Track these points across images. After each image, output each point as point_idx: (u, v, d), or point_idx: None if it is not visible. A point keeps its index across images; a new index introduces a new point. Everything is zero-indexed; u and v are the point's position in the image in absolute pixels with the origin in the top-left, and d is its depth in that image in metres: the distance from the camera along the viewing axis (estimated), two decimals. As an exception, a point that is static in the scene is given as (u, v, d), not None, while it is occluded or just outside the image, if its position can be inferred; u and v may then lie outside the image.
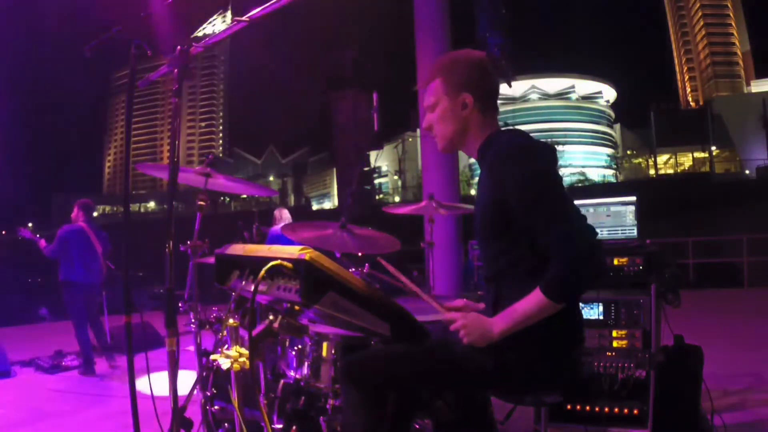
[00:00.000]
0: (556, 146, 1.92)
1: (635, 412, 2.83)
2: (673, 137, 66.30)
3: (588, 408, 2.91)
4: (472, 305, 1.97)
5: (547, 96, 78.28)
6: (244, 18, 1.72)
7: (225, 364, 1.73)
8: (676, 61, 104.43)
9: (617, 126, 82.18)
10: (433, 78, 1.86)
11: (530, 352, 1.67)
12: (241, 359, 1.77)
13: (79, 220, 5.73)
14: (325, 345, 2.17)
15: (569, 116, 77.18)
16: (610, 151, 78.84)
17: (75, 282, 5.57)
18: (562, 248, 1.54)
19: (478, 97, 1.81)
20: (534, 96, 77.74)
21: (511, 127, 1.87)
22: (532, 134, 1.87)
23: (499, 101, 1.93)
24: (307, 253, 1.45)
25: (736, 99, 75.47)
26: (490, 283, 1.80)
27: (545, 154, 1.71)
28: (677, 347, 3.01)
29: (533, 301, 1.59)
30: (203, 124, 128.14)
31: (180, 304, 2.45)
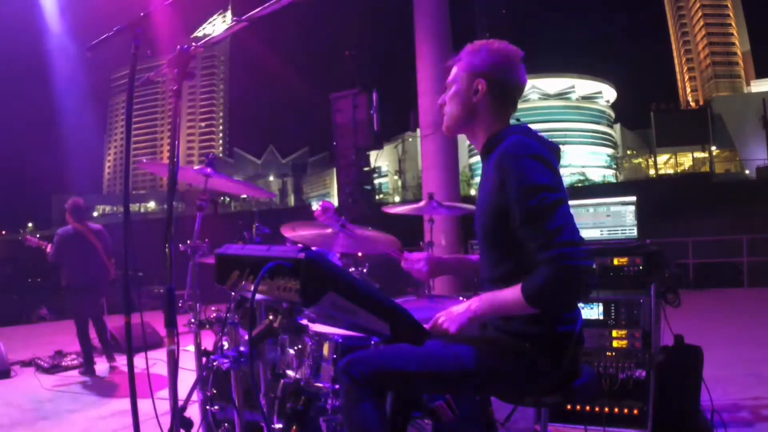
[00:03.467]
0: (559, 146, 1.90)
1: (635, 412, 2.83)
2: (673, 137, 66.25)
3: (588, 408, 2.91)
4: (430, 257, 2.07)
5: (547, 96, 78.23)
6: (244, 18, 1.71)
7: (225, 364, 1.73)
8: (676, 61, 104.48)
9: (617, 126, 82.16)
10: (460, 59, 1.86)
11: (530, 352, 1.67)
12: (241, 359, 1.77)
13: (71, 222, 5.73)
14: (325, 345, 2.17)
15: (569, 116, 77.14)
16: (610, 151, 78.82)
17: (78, 284, 5.56)
18: (549, 266, 1.54)
19: (492, 87, 1.79)
20: (534, 96, 77.66)
21: (520, 124, 1.84)
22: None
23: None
24: (307, 253, 1.45)
25: (736, 99, 75.48)
26: (490, 285, 1.80)
27: (551, 160, 1.68)
28: (677, 347, 3.01)
29: (512, 295, 1.61)
30: (203, 124, 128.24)
31: (180, 304, 2.45)
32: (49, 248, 5.64)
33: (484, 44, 1.85)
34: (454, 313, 1.71)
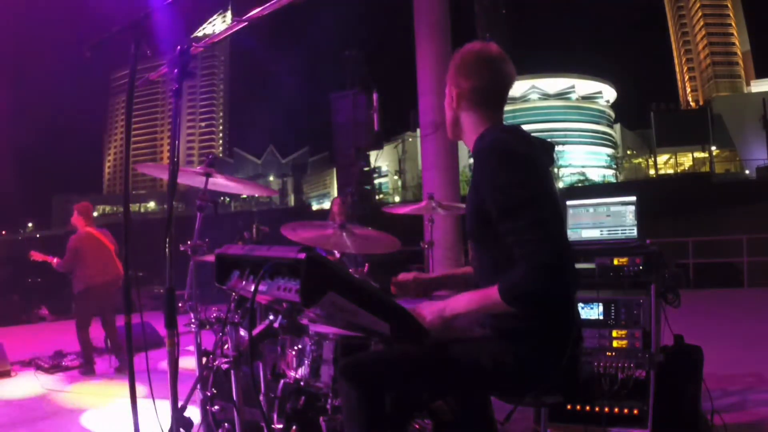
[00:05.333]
0: (554, 144, 1.90)
1: (635, 412, 2.83)
2: (673, 137, 66.25)
3: (588, 408, 2.91)
4: (421, 276, 2.05)
5: (547, 96, 78.19)
6: (244, 18, 1.72)
7: (225, 364, 1.73)
8: (676, 61, 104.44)
9: (617, 126, 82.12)
10: (449, 68, 1.88)
11: (529, 353, 1.67)
12: (241, 359, 1.77)
13: (81, 225, 5.67)
14: (325, 345, 2.17)
15: (569, 116, 77.09)
16: (610, 151, 78.78)
17: (94, 286, 5.48)
18: (527, 261, 1.54)
19: (465, 93, 1.81)
20: (534, 96, 77.64)
21: (506, 125, 1.83)
22: (532, 134, 1.84)
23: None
24: (307, 253, 1.45)
25: (736, 99, 75.50)
26: (481, 281, 1.80)
27: (528, 157, 1.66)
28: (677, 347, 3.01)
29: (489, 296, 1.59)
30: (203, 124, 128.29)
31: (180, 304, 2.45)
32: (55, 261, 5.56)
33: (461, 50, 1.86)
34: (425, 313, 1.69)
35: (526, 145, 1.71)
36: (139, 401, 1.70)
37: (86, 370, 5.44)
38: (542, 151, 1.78)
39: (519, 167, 1.62)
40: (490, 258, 1.75)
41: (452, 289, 2.17)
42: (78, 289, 5.56)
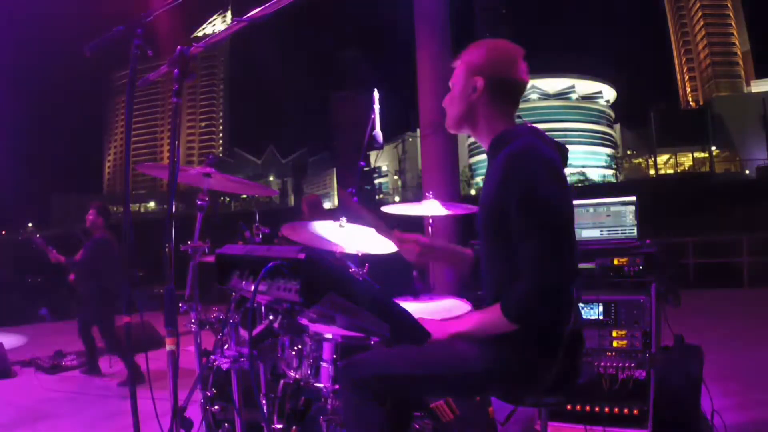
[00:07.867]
0: (567, 148, 1.88)
1: (635, 412, 2.83)
2: (673, 137, 66.37)
3: (588, 408, 2.91)
4: (422, 239, 2.02)
5: (547, 96, 78.21)
6: (244, 18, 1.71)
7: (225, 364, 1.73)
8: (676, 61, 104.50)
9: (617, 126, 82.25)
10: (459, 59, 1.87)
11: (530, 353, 1.67)
12: (241, 359, 1.77)
13: (100, 226, 5.32)
14: (325, 345, 2.17)
15: (569, 116, 77.14)
16: (610, 151, 78.87)
17: (118, 289, 5.41)
18: (529, 280, 1.56)
19: (490, 84, 1.78)
20: (534, 96, 77.64)
21: (531, 126, 1.81)
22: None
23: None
24: (307, 253, 1.45)
25: (736, 99, 75.62)
26: (489, 282, 1.80)
27: (560, 168, 1.67)
28: (677, 347, 3.02)
29: (492, 315, 1.63)
30: (203, 124, 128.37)
31: (180, 304, 2.45)
32: (53, 254, 5.40)
33: (483, 42, 1.85)
34: (437, 327, 1.72)
35: (557, 153, 1.71)
36: (139, 401, 1.70)
37: (131, 377, 5.32)
38: (561, 156, 1.78)
39: (555, 183, 1.61)
40: (505, 262, 1.73)
41: (450, 266, 2.15)
42: (102, 287, 5.39)
